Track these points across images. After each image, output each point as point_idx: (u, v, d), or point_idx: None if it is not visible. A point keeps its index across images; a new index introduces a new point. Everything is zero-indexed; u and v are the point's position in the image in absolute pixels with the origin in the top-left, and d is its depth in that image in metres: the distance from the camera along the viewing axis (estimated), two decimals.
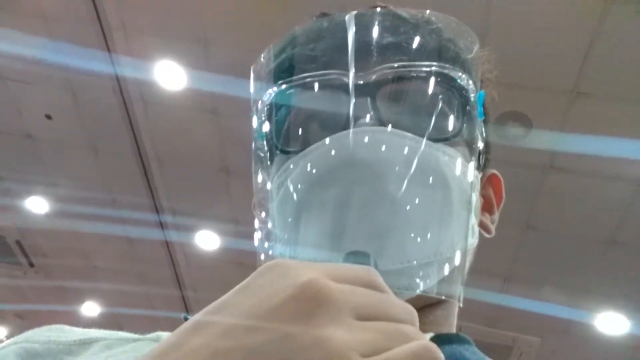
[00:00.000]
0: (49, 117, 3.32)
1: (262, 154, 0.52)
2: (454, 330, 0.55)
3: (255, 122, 0.52)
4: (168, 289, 4.37)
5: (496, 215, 0.58)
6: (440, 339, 0.50)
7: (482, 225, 0.55)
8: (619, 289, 3.46)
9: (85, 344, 0.50)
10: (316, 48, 0.50)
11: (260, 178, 0.51)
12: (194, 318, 0.31)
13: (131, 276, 4.41)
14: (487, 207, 0.58)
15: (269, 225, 0.49)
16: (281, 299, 0.30)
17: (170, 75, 2.94)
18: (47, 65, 2.92)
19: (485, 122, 0.54)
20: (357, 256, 0.40)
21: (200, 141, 3.25)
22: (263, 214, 0.50)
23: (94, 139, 3.43)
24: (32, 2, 2.73)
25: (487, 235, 0.56)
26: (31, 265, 4.48)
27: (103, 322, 4.82)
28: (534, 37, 2.50)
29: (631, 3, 2.32)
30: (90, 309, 4.83)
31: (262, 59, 0.52)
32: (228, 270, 3.88)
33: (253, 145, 0.52)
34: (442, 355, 0.30)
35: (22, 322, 5.01)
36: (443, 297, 0.47)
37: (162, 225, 3.87)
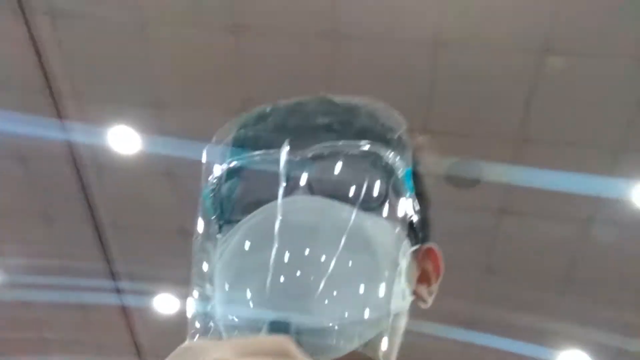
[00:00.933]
0: None
1: (208, 227, 0.56)
2: None
3: (203, 198, 0.57)
4: (127, 357, 4.20)
5: (434, 287, 0.62)
6: None
7: (417, 294, 0.58)
8: (577, 326, 3.53)
9: None
10: (259, 130, 0.57)
11: (202, 249, 0.55)
12: None
13: (88, 347, 4.23)
14: (424, 278, 0.61)
15: (208, 292, 0.52)
16: None
17: (124, 140, 2.93)
18: None
19: (421, 199, 0.59)
20: (280, 324, 0.42)
21: (156, 204, 3.21)
22: (202, 284, 0.53)
23: (46, 207, 3.35)
24: None
25: (422, 307, 0.59)
26: None
27: None
28: (478, 90, 2.63)
29: (565, 55, 2.47)
30: None
31: (213, 141, 0.58)
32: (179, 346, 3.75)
33: (199, 220, 0.56)
34: None
35: None
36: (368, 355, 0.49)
37: (118, 291, 3.76)
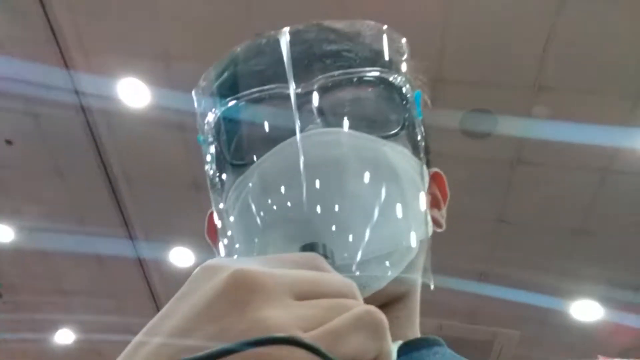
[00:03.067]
0: (9, 142, 3.25)
1: (214, 173, 0.53)
2: (417, 328, 0.56)
3: (204, 143, 0.53)
4: (145, 310, 4.30)
5: (444, 211, 0.61)
6: (407, 346, 0.50)
7: (433, 220, 0.57)
8: (590, 277, 3.54)
9: None
10: (259, 64, 0.53)
11: (215, 197, 0.52)
12: (135, 339, 0.31)
13: (105, 299, 4.32)
14: (434, 203, 0.60)
15: (227, 241, 0.50)
16: (211, 296, 0.29)
17: (133, 93, 2.91)
18: (5, 89, 2.85)
19: (423, 123, 0.57)
20: (312, 247, 0.40)
21: (168, 158, 3.21)
22: (222, 231, 0.51)
23: (59, 162, 3.37)
24: None
25: (439, 230, 0.58)
26: None
27: (81, 349, 4.72)
28: (494, 34, 2.55)
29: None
30: (66, 336, 4.71)
31: (202, 82, 0.54)
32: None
33: (206, 166, 0.53)
34: (384, 319, 0.30)
35: None
36: (402, 290, 0.49)
37: (134, 245, 3.81)
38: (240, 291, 0.29)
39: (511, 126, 2.83)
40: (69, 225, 3.62)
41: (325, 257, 0.38)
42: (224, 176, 0.52)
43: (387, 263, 0.46)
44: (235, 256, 0.48)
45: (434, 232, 0.56)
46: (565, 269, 3.52)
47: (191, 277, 0.32)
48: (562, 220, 3.31)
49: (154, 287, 4.20)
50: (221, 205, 0.51)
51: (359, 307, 0.30)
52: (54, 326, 4.66)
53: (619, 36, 2.47)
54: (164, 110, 2.92)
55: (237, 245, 0.48)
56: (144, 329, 0.31)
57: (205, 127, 0.52)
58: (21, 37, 2.74)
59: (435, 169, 0.61)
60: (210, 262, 0.33)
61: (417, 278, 0.49)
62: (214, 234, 0.58)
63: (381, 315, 0.30)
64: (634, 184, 3.02)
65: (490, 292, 3.50)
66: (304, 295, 0.30)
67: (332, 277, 0.32)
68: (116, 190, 3.49)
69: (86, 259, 3.92)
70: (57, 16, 2.68)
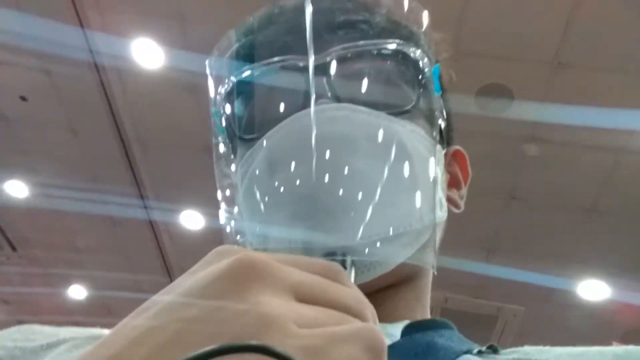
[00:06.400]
0: (24, 98, 3.26)
1: (224, 145, 0.52)
2: (427, 311, 0.55)
3: (215, 114, 0.52)
4: (154, 270, 4.36)
5: (464, 191, 0.59)
6: (413, 326, 0.49)
7: (450, 200, 0.56)
8: (599, 257, 3.53)
9: (53, 347, 0.49)
10: (269, 34, 0.51)
11: (223, 168, 0.52)
12: (142, 305, 0.31)
13: (117, 258, 4.39)
14: (454, 182, 0.58)
15: (236, 215, 0.49)
16: (217, 273, 0.29)
17: (147, 54, 2.89)
18: (19, 45, 2.85)
19: (444, 98, 0.55)
20: (333, 255, 0.39)
21: (181, 121, 3.21)
22: (230, 206, 0.50)
23: (73, 120, 3.38)
24: None
25: (455, 211, 0.57)
26: (14, 249, 4.43)
27: (91, 305, 4.81)
28: (514, 9, 2.49)
29: None
30: (77, 292, 4.80)
31: (215, 52, 0.52)
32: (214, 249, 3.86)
33: (214, 138, 0.52)
34: (384, 343, 0.29)
35: (8, 307, 4.97)
36: (413, 271, 0.48)
37: (145, 206, 3.84)
38: (244, 274, 0.29)
39: (527, 102, 2.79)
40: (81, 183, 3.66)
41: (344, 267, 0.37)
42: (232, 149, 0.52)
43: (398, 245, 0.45)
44: (240, 235, 0.48)
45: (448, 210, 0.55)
46: (574, 248, 3.51)
47: (204, 258, 0.33)
48: (574, 199, 3.29)
49: (164, 248, 4.25)
50: (231, 174, 0.51)
51: (361, 323, 0.29)
52: (67, 282, 4.75)
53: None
54: (179, 72, 2.90)
55: (242, 222, 0.48)
56: (151, 298, 0.32)
57: (218, 98, 0.52)
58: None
59: (457, 147, 0.59)
60: (224, 246, 0.33)
61: (430, 260, 0.48)
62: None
63: (382, 337, 0.29)
64: None
65: (498, 268, 3.51)
66: (307, 298, 0.30)
67: (344, 291, 0.31)
68: (128, 151, 3.50)
69: (98, 218, 3.96)
70: None
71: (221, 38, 0.53)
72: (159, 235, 4.14)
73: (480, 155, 3.02)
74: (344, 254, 0.40)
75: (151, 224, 4.02)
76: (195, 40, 2.74)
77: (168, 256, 4.31)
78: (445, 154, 0.56)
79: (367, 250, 0.42)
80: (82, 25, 2.79)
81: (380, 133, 0.46)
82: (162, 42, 2.85)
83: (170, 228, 4.05)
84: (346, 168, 0.43)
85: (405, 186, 0.45)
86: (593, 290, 3.74)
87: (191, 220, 3.91)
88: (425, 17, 0.52)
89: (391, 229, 0.44)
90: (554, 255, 3.50)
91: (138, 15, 2.78)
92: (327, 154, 0.43)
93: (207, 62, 0.52)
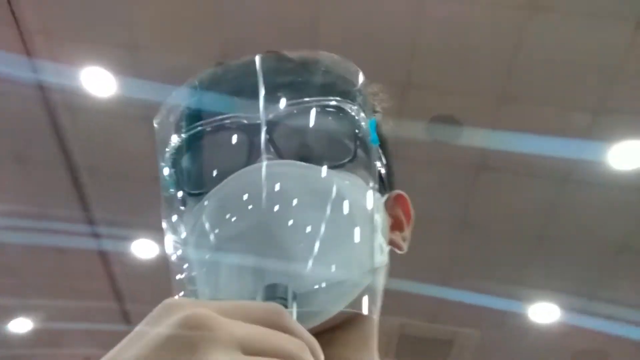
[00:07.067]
0: None
1: (171, 200, 0.54)
2: (374, 353, 0.56)
3: (162, 171, 0.54)
4: (106, 301, 4.23)
5: (407, 232, 0.61)
6: None
7: (392, 243, 0.58)
8: (549, 280, 3.63)
9: None
10: (214, 95, 0.54)
11: (171, 222, 0.53)
12: None
13: (66, 291, 4.23)
14: (397, 225, 0.60)
15: (185, 267, 0.51)
16: (164, 336, 0.31)
17: (98, 82, 2.85)
18: None
19: (383, 147, 0.58)
20: (275, 288, 0.40)
21: (132, 149, 3.16)
22: (179, 258, 0.52)
23: (18, 149, 3.28)
24: None
25: (399, 252, 0.59)
26: None
27: (39, 338, 4.61)
28: (462, 45, 2.59)
29: (552, 11, 2.43)
30: (21, 325, 4.59)
31: (163, 110, 0.55)
32: (168, 278, 3.78)
33: (162, 193, 0.54)
34: None
35: None
36: (357, 313, 0.49)
37: (96, 236, 3.74)
38: (192, 335, 0.30)
39: (477, 132, 2.87)
40: (28, 215, 3.53)
41: (284, 300, 0.39)
42: (180, 201, 0.53)
43: (336, 294, 0.47)
44: (193, 289, 0.49)
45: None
46: (526, 272, 3.60)
47: (151, 314, 0.33)
48: (524, 226, 3.38)
49: (116, 279, 4.13)
50: (178, 229, 0.52)
51: None
52: (10, 315, 4.54)
53: (578, 51, 2.54)
54: (130, 101, 2.87)
55: (193, 272, 0.50)
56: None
57: (163, 156, 0.54)
58: None
59: (399, 191, 0.62)
60: (170, 300, 0.34)
61: (371, 305, 0.50)
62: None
63: None
64: (592, 194, 3.11)
65: (452, 294, 3.55)
66: (254, 351, 0.31)
67: (286, 340, 0.32)
68: (78, 181, 3.41)
69: (46, 250, 3.83)
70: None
71: (167, 98, 0.56)
72: (110, 267, 4.03)
73: (434, 184, 3.08)
74: (285, 286, 0.41)
75: (102, 254, 3.91)
76: (148, 68, 2.72)
77: (120, 287, 4.19)
78: (388, 199, 0.59)
79: (306, 300, 0.44)
80: (28, 53, 2.73)
81: (320, 186, 0.48)
82: (113, 70, 2.81)
83: (122, 258, 3.94)
84: (283, 222, 0.45)
85: (344, 236, 0.47)
86: (544, 312, 3.83)
87: (144, 249, 3.83)
88: (358, 73, 0.55)
89: (330, 278, 0.45)
90: (505, 280, 3.58)
91: (89, 43, 2.74)
92: (270, 208, 0.45)
93: (154, 122, 0.55)
